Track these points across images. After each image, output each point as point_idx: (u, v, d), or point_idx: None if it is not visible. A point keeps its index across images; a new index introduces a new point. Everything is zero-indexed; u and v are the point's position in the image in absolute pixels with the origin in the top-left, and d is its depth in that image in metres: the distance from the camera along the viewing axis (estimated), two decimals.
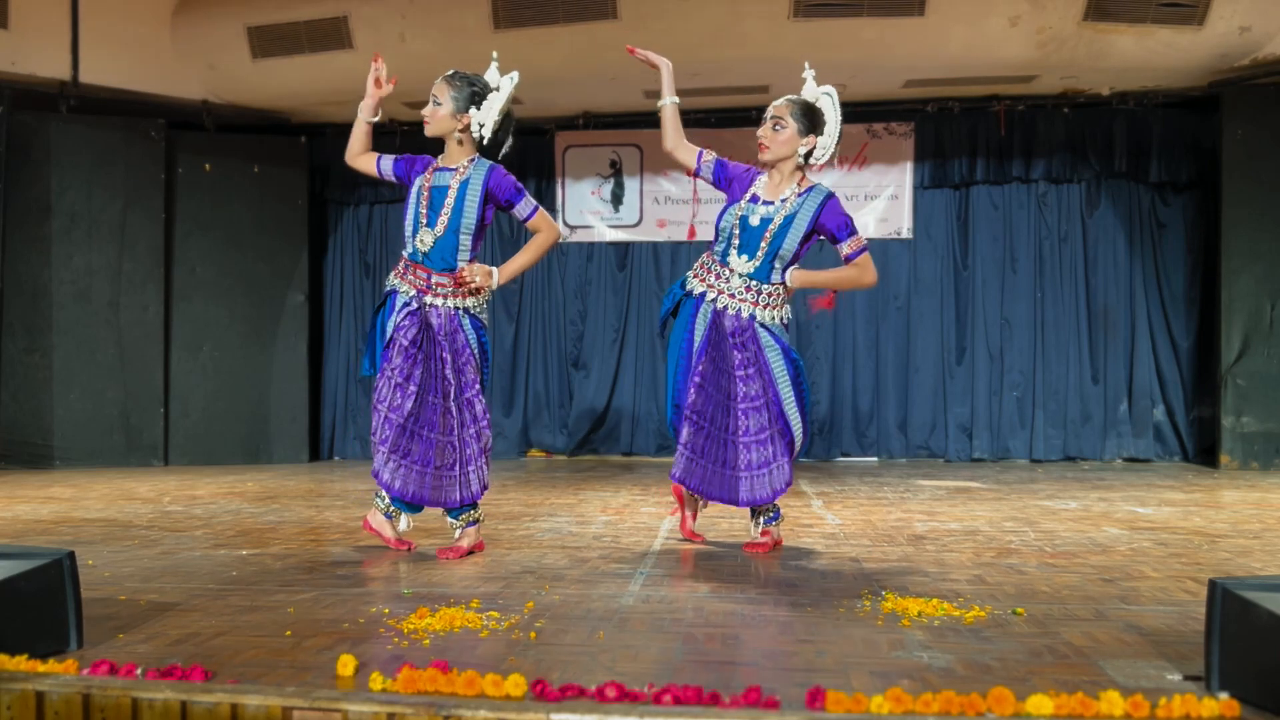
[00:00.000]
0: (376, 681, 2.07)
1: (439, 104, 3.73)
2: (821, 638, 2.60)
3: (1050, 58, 7.01)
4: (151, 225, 7.74)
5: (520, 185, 3.80)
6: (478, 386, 3.78)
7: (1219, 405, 7.37)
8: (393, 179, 3.89)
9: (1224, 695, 1.97)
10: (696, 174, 3.95)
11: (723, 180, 3.92)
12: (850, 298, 7.98)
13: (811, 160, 3.82)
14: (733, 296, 3.80)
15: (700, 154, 3.93)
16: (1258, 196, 7.26)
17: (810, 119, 3.78)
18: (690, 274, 3.94)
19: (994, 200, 8.15)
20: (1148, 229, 8.01)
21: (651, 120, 3.98)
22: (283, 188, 8.13)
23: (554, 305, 8.59)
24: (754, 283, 3.79)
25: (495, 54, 3.86)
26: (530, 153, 8.35)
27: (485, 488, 3.81)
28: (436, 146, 3.84)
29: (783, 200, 3.78)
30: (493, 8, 6.89)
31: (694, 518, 4.19)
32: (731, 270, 3.80)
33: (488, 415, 3.81)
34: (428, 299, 3.73)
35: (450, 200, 3.72)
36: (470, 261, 3.74)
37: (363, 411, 8.50)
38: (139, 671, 2.13)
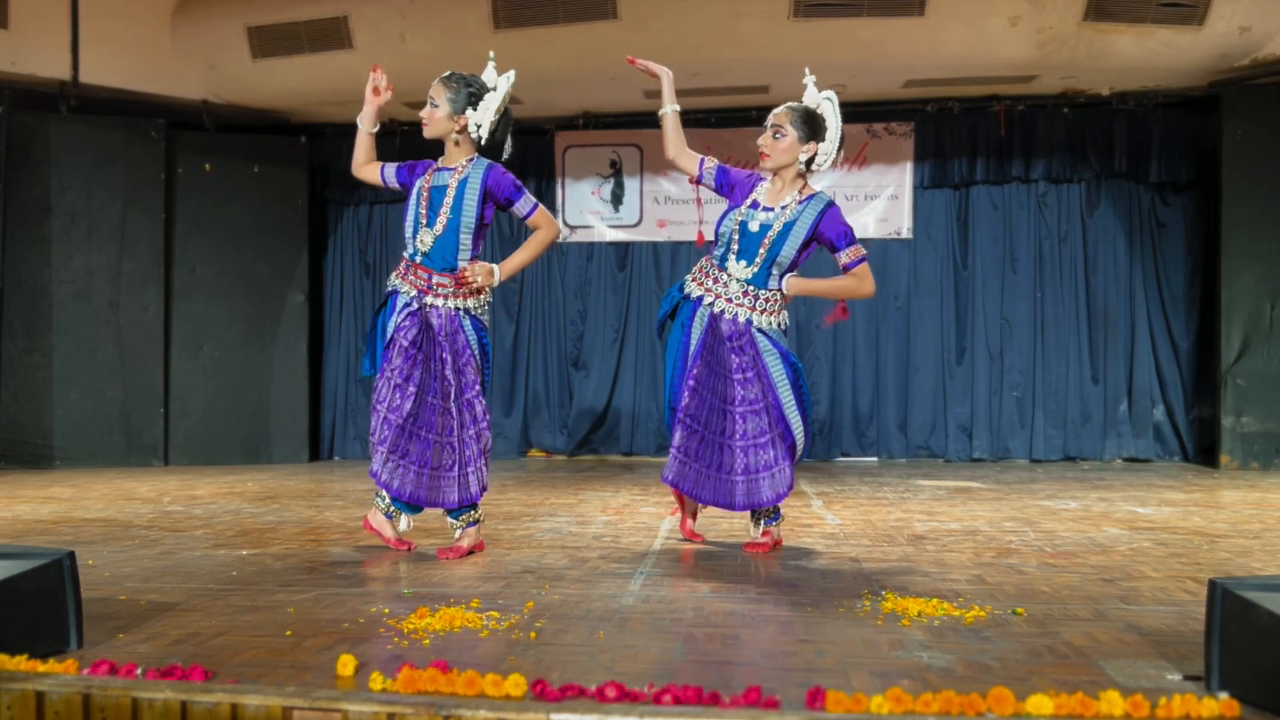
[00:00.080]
0: (376, 681, 2.07)
1: (436, 106, 3.73)
2: (821, 638, 2.60)
3: (1050, 58, 7.01)
4: (151, 225, 7.74)
5: (519, 183, 3.80)
6: (478, 387, 3.78)
7: (1219, 405, 7.37)
8: (396, 186, 3.91)
9: (1224, 695, 1.97)
10: (699, 181, 3.95)
11: (724, 186, 3.92)
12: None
13: (813, 167, 3.83)
14: (730, 301, 3.80)
15: (702, 161, 3.93)
16: (1258, 196, 7.26)
17: (811, 126, 3.78)
18: (689, 277, 3.95)
19: (994, 200, 8.15)
20: (1148, 229, 8.01)
21: (652, 120, 3.98)
22: (283, 188, 8.13)
23: (554, 305, 8.59)
24: (751, 288, 3.79)
25: (492, 54, 3.86)
26: (530, 153, 8.35)
27: (484, 489, 3.80)
28: (437, 149, 3.84)
29: (783, 207, 3.79)
30: (493, 8, 6.89)
31: (694, 518, 4.20)
32: (730, 275, 3.80)
33: (488, 416, 3.81)
34: (428, 299, 3.73)
35: (449, 199, 3.72)
36: (472, 260, 3.75)
37: (363, 411, 8.50)
38: (139, 671, 2.13)
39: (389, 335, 3.77)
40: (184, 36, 7.51)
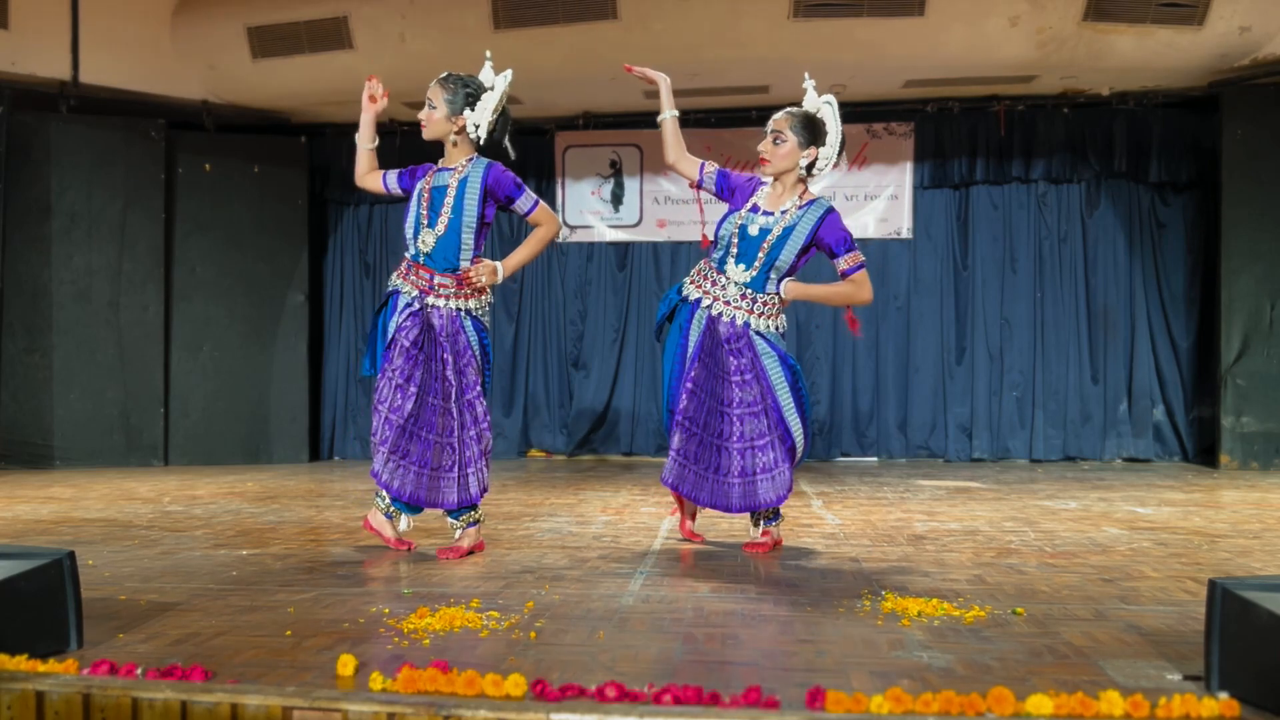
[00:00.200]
0: (376, 681, 2.07)
1: (434, 107, 3.74)
2: (821, 638, 2.60)
3: (1050, 58, 7.01)
4: (151, 225, 7.74)
5: (519, 180, 3.81)
6: (479, 388, 3.78)
7: (1219, 405, 7.37)
8: (399, 192, 3.92)
9: (1224, 695, 1.97)
10: (699, 185, 3.94)
11: (725, 190, 3.92)
12: None
13: (814, 172, 3.83)
14: (728, 304, 3.80)
15: (702, 166, 3.93)
16: (1258, 196, 7.26)
17: (811, 131, 3.78)
18: (687, 280, 3.95)
19: (994, 200, 8.15)
20: (1148, 229, 8.01)
21: (652, 121, 3.97)
22: (283, 188, 8.13)
23: (554, 305, 8.59)
24: (750, 291, 3.79)
25: (488, 53, 3.87)
26: (530, 153, 8.35)
27: (485, 490, 3.80)
28: (437, 150, 3.85)
29: (783, 212, 3.79)
30: (493, 8, 6.89)
31: (693, 519, 4.20)
32: (728, 278, 3.80)
33: (488, 417, 3.81)
34: (430, 300, 3.74)
35: (450, 199, 3.72)
36: (475, 260, 3.75)
37: (363, 411, 8.51)
38: (139, 671, 2.13)
39: (390, 335, 3.77)
40: (184, 36, 7.51)
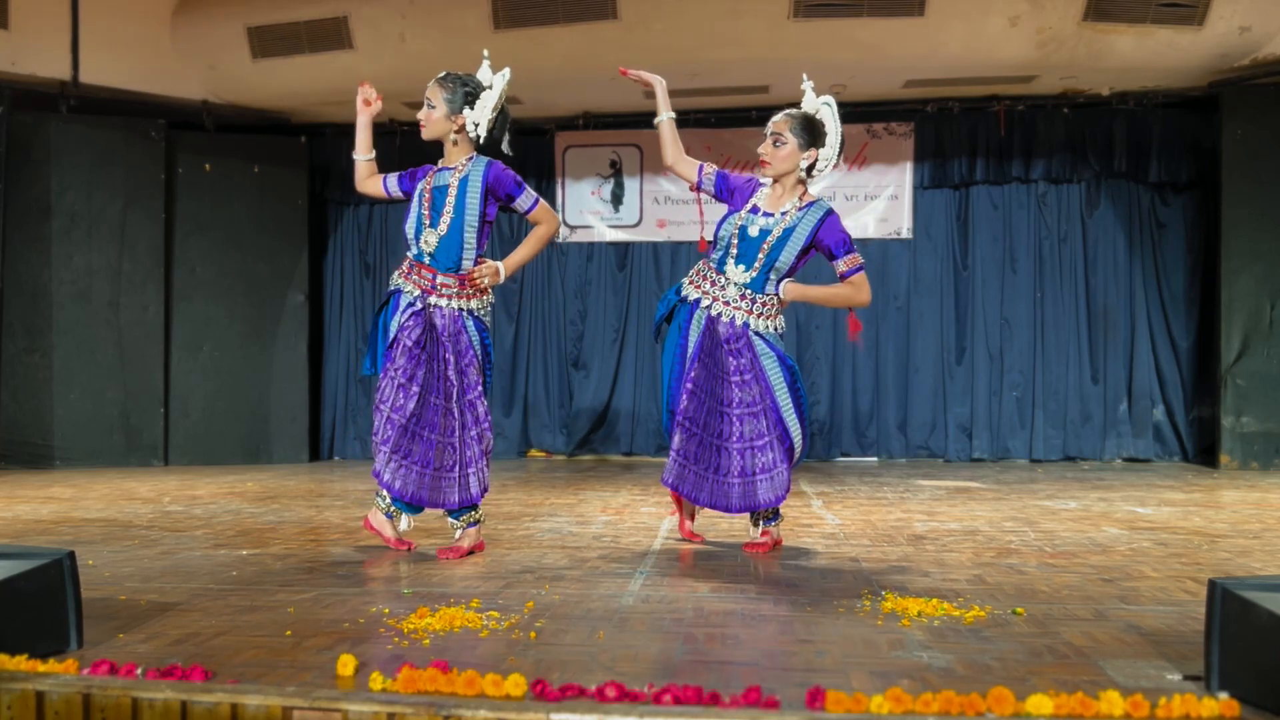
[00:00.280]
0: (376, 681, 2.07)
1: (433, 107, 3.74)
2: (821, 638, 2.60)
3: (1050, 58, 7.01)
4: (151, 225, 7.74)
5: (520, 179, 3.82)
6: (480, 388, 3.78)
7: (1219, 405, 7.37)
8: (400, 195, 3.93)
9: (1224, 695, 1.97)
10: (698, 187, 3.94)
11: (724, 192, 3.92)
12: None
13: (813, 173, 3.83)
14: (728, 304, 3.80)
15: (701, 168, 3.92)
16: (1258, 196, 7.26)
17: (810, 132, 3.78)
18: (686, 280, 3.95)
19: (994, 200, 8.15)
20: (1147, 229, 8.01)
21: (652, 121, 3.97)
22: (283, 188, 8.13)
23: (554, 305, 8.59)
24: (749, 292, 3.79)
25: (486, 52, 3.88)
26: (530, 153, 8.35)
27: (485, 490, 3.81)
28: (437, 151, 3.85)
29: (783, 213, 3.79)
30: (493, 8, 6.89)
31: (691, 519, 4.20)
32: (728, 279, 3.81)
33: (489, 417, 3.81)
34: (432, 299, 3.74)
35: (451, 198, 3.73)
36: (478, 260, 3.76)
37: (363, 411, 8.51)
38: (139, 671, 2.13)
39: (392, 335, 3.77)
40: (184, 36, 7.51)
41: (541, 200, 3.86)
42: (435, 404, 3.72)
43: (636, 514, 5.06)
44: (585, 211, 8.48)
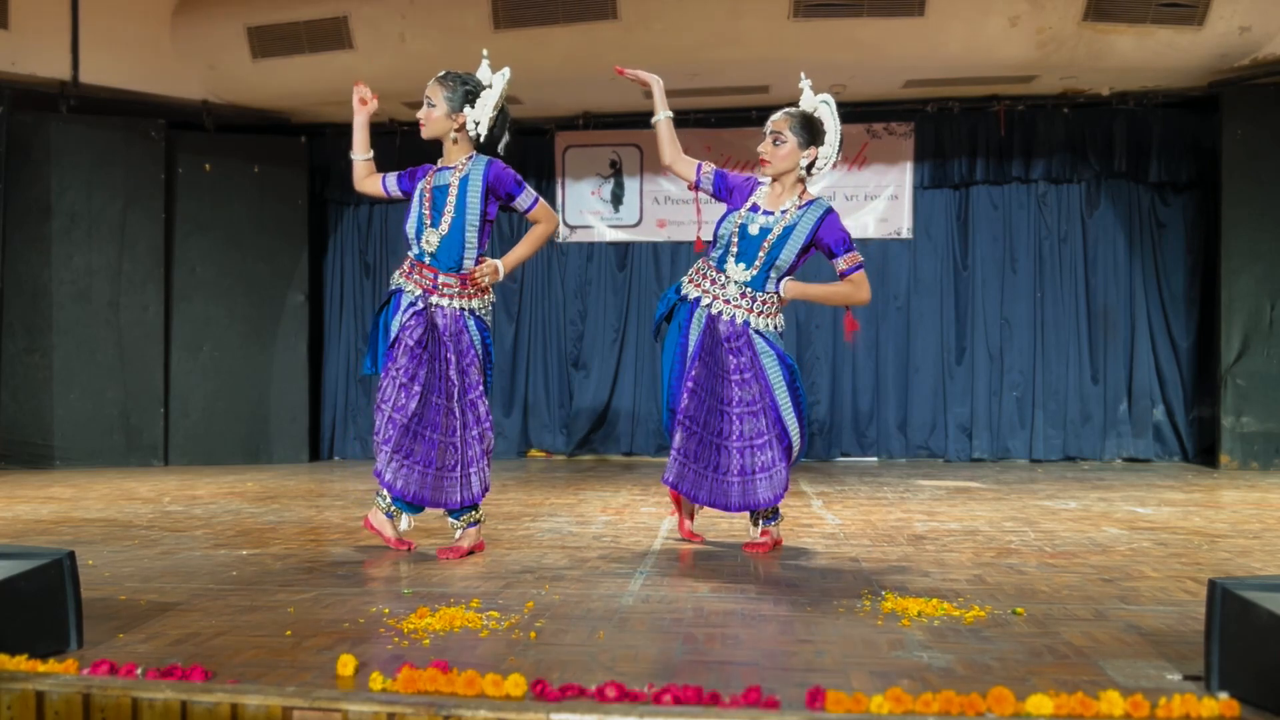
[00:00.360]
0: (376, 681, 2.07)
1: (433, 105, 3.75)
2: (821, 638, 2.60)
3: (1050, 58, 7.01)
4: (151, 225, 7.74)
5: (520, 178, 3.82)
6: (481, 388, 3.79)
7: (1219, 405, 7.37)
8: (399, 195, 3.94)
9: (1224, 695, 1.97)
10: (696, 186, 3.94)
11: (723, 191, 3.92)
12: None
13: (813, 171, 3.83)
14: (728, 303, 3.80)
15: (699, 167, 3.92)
16: (1258, 196, 7.26)
17: (810, 131, 3.78)
18: (685, 279, 3.95)
19: (994, 200, 8.15)
20: (1147, 229, 8.01)
21: (651, 121, 3.97)
22: (283, 188, 8.13)
23: (554, 305, 8.59)
24: (749, 290, 3.79)
25: (485, 51, 3.88)
26: (530, 153, 8.35)
27: (486, 489, 3.81)
28: (436, 151, 3.85)
29: (783, 211, 3.79)
30: (493, 8, 6.89)
31: (691, 519, 4.20)
32: (728, 278, 3.81)
33: (490, 417, 3.82)
34: (433, 299, 3.74)
35: (452, 198, 3.73)
36: (479, 259, 3.76)
37: (363, 411, 8.51)
38: (139, 671, 2.13)
39: (393, 334, 3.78)
40: (184, 36, 7.51)
41: (541, 199, 3.87)
42: (437, 404, 3.72)
43: (636, 514, 5.06)
44: (585, 211, 8.49)
